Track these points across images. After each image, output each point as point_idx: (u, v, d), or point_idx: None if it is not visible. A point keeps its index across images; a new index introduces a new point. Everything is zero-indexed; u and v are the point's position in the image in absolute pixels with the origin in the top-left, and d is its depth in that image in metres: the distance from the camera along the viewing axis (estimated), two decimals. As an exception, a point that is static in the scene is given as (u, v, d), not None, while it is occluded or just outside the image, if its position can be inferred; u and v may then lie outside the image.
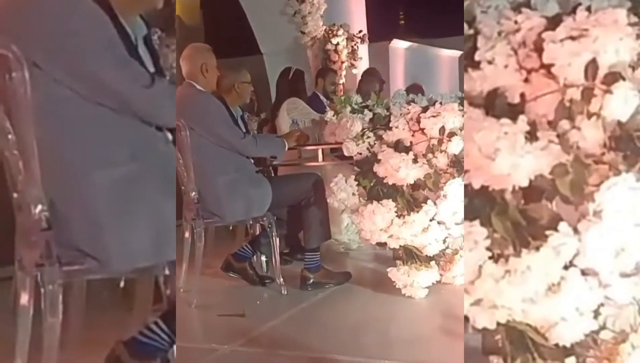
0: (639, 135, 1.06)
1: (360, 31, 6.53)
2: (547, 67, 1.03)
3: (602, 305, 1.05)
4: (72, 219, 1.36)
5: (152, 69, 1.50)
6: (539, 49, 1.04)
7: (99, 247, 1.35)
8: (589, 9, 1.05)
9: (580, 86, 1.01)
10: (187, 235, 2.96)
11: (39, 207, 1.33)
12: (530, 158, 1.03)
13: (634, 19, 1.06)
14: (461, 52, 9.50)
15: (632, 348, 1.06)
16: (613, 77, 0.99)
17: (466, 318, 1.08)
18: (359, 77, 5.43)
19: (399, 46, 8.59)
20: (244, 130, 3.14)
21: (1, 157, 1.37)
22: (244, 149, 2.95)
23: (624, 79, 0.99)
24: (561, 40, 1.02)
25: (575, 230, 1.03)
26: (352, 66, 6.26)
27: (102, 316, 1.82)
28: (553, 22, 1.04)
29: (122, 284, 1.53)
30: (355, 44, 6.32)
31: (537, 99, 1.05)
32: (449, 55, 9.80)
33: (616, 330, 1.07)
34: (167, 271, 1.40)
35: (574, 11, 1.05)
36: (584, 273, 1.04)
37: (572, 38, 1.02)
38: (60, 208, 1.36)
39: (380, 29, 7.72)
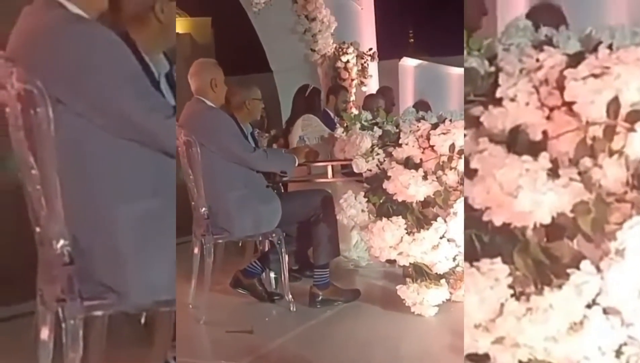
0: (663, 173, 1.05)
1: (370, 49, 6.58)
2: (569, 105, 1.03)
3: (624, 344, 1.04)
4: (94, 253, 1.35)
5: (173, 103, 1.50)
6: (560, 87, 1.04)
7: (120, 281, 1.35)
8: (610, 46, 1.05)
9: (602, 124, 1.01)
10: (196, 251, 2.97)
11: (61, 242, 1.32)
12: (552, 195, 1.02)
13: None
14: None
15: (653, 390, 1.05)
16: (636, 115, 0.99)
17: (486, 356, 1.08)
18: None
19: (409, 63, 8.63)
20: (254, 145, 3.14)
21: (24, 192, 1.38)
22: (255, 163, 2.96)
23: (647, 114, 0.98)
24: (583, 78, 1.01)
25: (598, 269, 1.02)
26: (362, 83, 6.31)
27: (123, 351, 1.81)
28: (575, 60, 1.04)
29: (142, 320, 1.53)
30: (365, 62, 6.37)
31: (559, 137, 1.05)
32: (458, 73, 9.83)
33: (637, 370, 1.07)
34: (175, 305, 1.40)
35: (595, 49, 1.04)
36: (606, 312, 1.03)
37: (595, 76, 1.01)
38: (82, 242, 1.36)
39: (390, 47, 7.78)
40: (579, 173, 1.04)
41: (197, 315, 2.87)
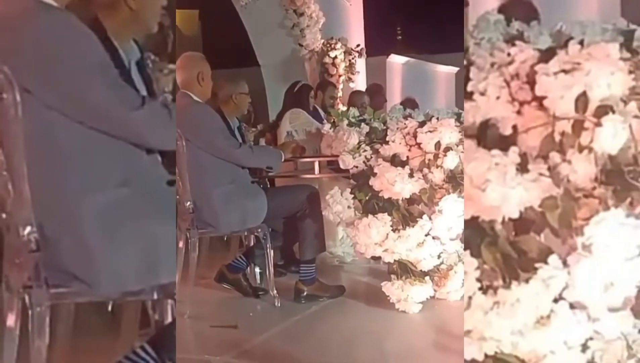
0: (630, 170, 1.06)
1: (358, 45, 6.55)
2: (540, 100, 1.04)
3: (590, 339, 1.05)
4: (61, 242, 1.35)
5: (144, 93, 1.50)
6: (531, 82, 1.04)
7: (88, 270, 1.35)
8: (581, 42, 1.06)
9: (571, 119, 1.02)
10: (181, 244, 2.95)
11: (28, 229, 1.32)
12: (521, 190, 1.03)
13: (627, 53, 1.07)
14: (458, 69, 9.57)
15: (619, 384, 1.06)
16: (603, 110, 1.00)
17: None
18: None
19: (396, 60, 8.61)
20: (241, 141, 3.14)
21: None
22: (240, 159, 2.96)
23: (614, 112, 0.99)
24: (554, 73, 1.02)
25: (565, 263, 1.03)
26: (349, 79, 6.29)
27: (90, 340, 1.81)
28: (546, 55, 1.05)
29: (109, 308, 1.52)
30: (352, 58, 6.35)
31: (528, 131, 1.05)
32: (446, 71, 9.86)
33: (604, 365, 1.07)
34: (155, 296, 1.40)
35: (566, 45, 1.05)
36: (572, 306, 1.04)
37: (565, 71, 1.02)
38: (49, 230, 1.35)
39: (378, 44, 7.75)
40: (548, 168, 1.05)
41: (182, 309, 2.86)
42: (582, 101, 1.01)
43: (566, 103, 1.02)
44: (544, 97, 1.03)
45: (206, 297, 3.15)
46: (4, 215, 1.37)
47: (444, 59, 9.64)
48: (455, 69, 9.69)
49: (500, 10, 1.22)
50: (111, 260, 1.35)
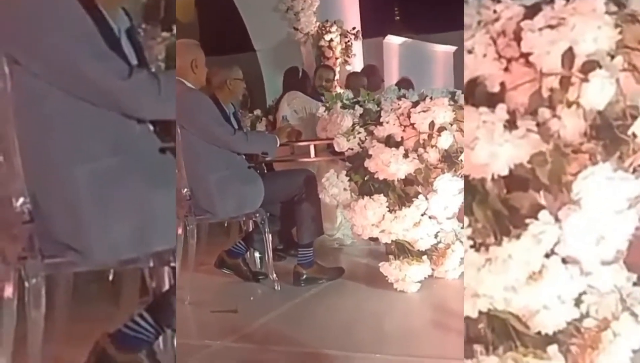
0: (619, 124, 1.06)
1: (354, 28, 6.51)
2: (526, 56, 1.03)
3: (584, 293, 1.05)
4: (54, 212, 1.35)
5: (134, 62, 1.49)
6: (518, 38, 1.04)
7: (81, 240, 1.35)
8: (568, -5, 1.05)
9: (558, 75, 1.01)
10: (179, 231, 2.96)
11: (21, 200, 1.33)
12: (509, 147, 1.03)
13: (614, 7, 1.06)
14: (455, 48, 9.51)
15: (613, 336, 1.06)
16: (590, 65, 0.99)
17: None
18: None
19: (393, 41, 8.54)
20: (237, 126, 3.13)
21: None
22: (235, 145, 2.95)
23: (600, 67, 0.99)
24: (539, 29, 1.02)
25: (556, 219, 1.03)
26: (346, 62, 6.25)
27: (90, 309, 1.81)
28: (532, 11, 1.04)
29: (110, 277, 1.53)
30: (349, 41, 6.30)
31: (517, 88, 1.05)
32: (443, 50, 9.78)
33: (599, 318, 1.07)
34: (151, 263, 1.40)
35: (552, 0, 1.05)
36: (565, 261, 1.04)
37: (551, 27, 1.02)
38: (42, 201, 1.36)
39: (374, 25, 7.65)
40: (537, 124, 1.04)
41: (182, 295, 2.86)
42: (568, 56, 1.01)
43: (552, 59, 1.02)
44: (530, 54, 1.03)
45: (206, 283, 3.15)
46: None
47: (442, 38, 9.58)
48: (453, 48, 9.63)
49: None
50: (104, 228, 1.36)
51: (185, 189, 2.86)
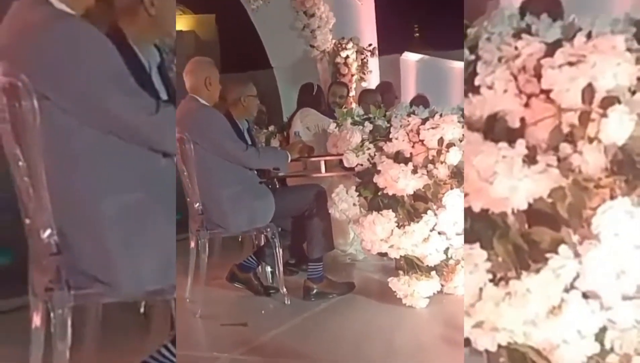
0: (642, 160, 1.05)
1: (370, 45, 6.53)
2: (547, 93, 1.03)
3: (605, 328, 1.03)
4: (81, 245, 1.35)
5: (164, 96, 1.50)
6: (538, 75, 1.03)
7: (108, 272, 1.35)
8: (589, 34, 1.04)
9: (577, 110, 1.01)
10: (192, 245, 2.97)
11: (48, 232, 1.33)
12: (529, 182, 1.02)
13: (636, 45, 1.05)
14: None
15: (634, 370, 1.04)
16: (609, 101, 0.99)
17: (466, 340, 1.07)
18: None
19: (410, 58, 8.54)
20: (250, 142, 3.14)
21: (14, 184, 1.38)
22: (247, 161, 2.95)
23: (620, 102, 0.98)
24: (559, 66, 1.01)
25: (576, 253, 1.02)
26: (362, 79, 6.26)
27: (122, 340, 1.81)
28: (552, 48, 1.04)
29: (142, 309, 1.53)
30: (364, 57, 6.31)
31: (537, 124, 1.04)
32: (460, 67, 9.77)
33: (620, 353, 1.06)
34: (175, 295, 1.40)
35: (574, 37, 1.04)
36: (585, 295, 1.02)
37: (570, 64, 1.01)
38: (69, 234, 1.36)
39: (391, 42, 7.68)
40: (557, 159, 1.04)
41: (194, 308, 2.87)
42: (588, 92, 1.00)
43: (572, 95, 1.01)
44: (550, 90, 1.02)
45: (218, 297, 3.15)
46: (27, 221, 1.38)
47: (458, 54, 9.56)
48: None
49: (523, 4, 1.21)
50: (130, 261, 1.36)
51: (198, 204, 2.87)
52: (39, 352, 1.35)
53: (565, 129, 1.02)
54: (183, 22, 9.69)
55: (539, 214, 1.04)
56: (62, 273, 1.33)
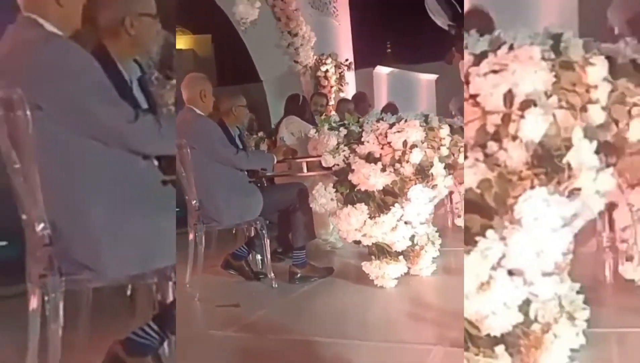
0: (557, 154, 1.06)
1: (347, 60, 6.57)
2: (474, 97, 1.04)
3: (529, 301, 1.04)
4: (70, 236, 1.35)
5: (145, 106, 1.50)
6: (467, 82, 1.04)
7: (94, 259, 1.35)
8: (511, 46, 1.06)
9: (500, 113, 1.01)
10: (191, 237, 2.95)
11: (41, 225, 1.32)
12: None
13: (551, 55, 1.06)
14: (437, 76, 9.56)
15: (554, 337, 1.06)
16: (527, 103, 1.00)
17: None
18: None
19: (382, 71, 8.59)
20: (241, 147, 3.13)
21: (12, 183, 1.37)
22: (237, 163, 2.95)
23: (536, 105, 0.99)
24: (484, 74, 1.02)
25: (502, 236, 1.03)
26: (340, 90, 6.32)
27: (110, 320, 1.80)
28: (479, 59, 1.05)
29: (128, 292, 1.53)
30: (342, 71, 6.37)
31: (467, 124, 1.05)
32: (427, 78, 9.85)
33: (542, 322, 1.07)
34: (155, 279, 1.40)
35: (499, 48, 1.05)
36: (510, 273, 1.04)
37: (494, 72, 1.02)
38: (60, 226, 1.35)
39: (365, 58, 7.74)
40: (485, 155, 1.04)
41: (193, 293, 2.86)
42: (508, 96, 1.01)
43: (495, 99, 1.02)
44: (477, 95, 1.03)
45: (214, 282, 3.13)
46: (24, 216, 1.37)
47: (426, 68, 9.67)
48: (435, 76, 9.70)
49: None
50: (114, 250, 1.35)
51: (195, 201, 2.86)
52: (36, 332, 1.35)
53: (491, 129, 1.03)
54: (183, 42, 9.68)
55: (470, 203, 1.05)
56: (54, 261, 1.33)
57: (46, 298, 1.30)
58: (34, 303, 1.34)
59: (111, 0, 1.54)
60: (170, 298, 1.45)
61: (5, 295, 2.32)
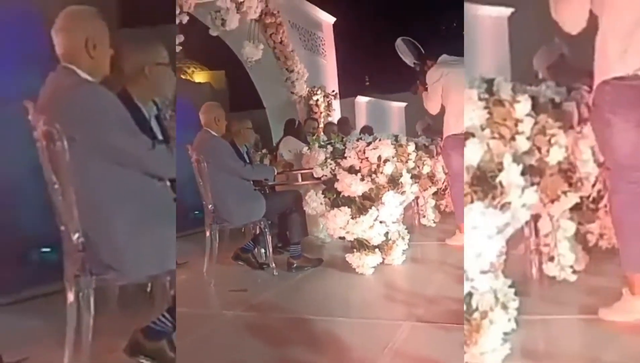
0: (491, 175, 1.09)
1: (333, 91, 6.68)
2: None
3: (470, 293, 1.07)
4: (99, 243, 1.36)
5: (160, 137, 1.51)
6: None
7: (118, 262, 1.37)
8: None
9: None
10: (207, 234, 2.95)
11: (77, 235, 1.34)
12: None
13: (485, 95, 1.10)
14: (406, 104, 9.68)
15: (491, 323, 1.08)
16: (467, 135, 1.03)
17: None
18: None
19: (362, 100, 8.70)
20: (248, 161, 3.15)
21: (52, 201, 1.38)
22: (244, 174, 2.97)
23: (474, 136, 1.02)
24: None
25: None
26: (328, 115, 6.42)
27: (133, 313, 1.80)
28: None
29: (148, 289, 1.53)
30: (329, 100, 6.47)
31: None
32: (397, 106, 9.95)
33: (480, 310, 1.09)
34: (169, 278, 1.41)
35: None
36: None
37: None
38: (91, 236, 1.37)
39: (348, 89, 7.85)
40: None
41: (209, 280, 2.87)
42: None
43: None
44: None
45: (227, 271, 3.13)
46: (62, 227, 1.38)
47: (397, 97, 9.79)
48: (404, 104, 9.84)
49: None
50: (135, 255, 1.37)
51: (210, 205, 2.87)
52: (73, 322, 1.36)
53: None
54: (202, 76, 9.68)
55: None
56: (86, 264, 1.34)
57: (80, 294, 1.31)
58: (70, 297, 1.35)
59: (133, 52, 1.55)
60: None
61: (48, 292, 2.31)
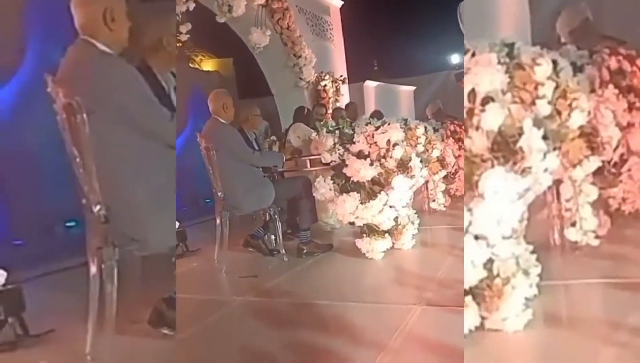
0: (513, 140, 1.05)
1: (341, 76, 6.58)
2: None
3: (491, 260, 1.03)
4: (121, 215, 1.35)
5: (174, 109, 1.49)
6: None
7: (140, 233, 1.35)
8: (473, 54, 1.04)
9: (466, 108, 1.00)
10: (218, 222, 2.94)
11: (98, 207, 1.32)
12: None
13: (506, 59, 1.05)
14: (415, 88, 9.59)
15: (512, 289, 1.05)
16: (486, 100, 0.98)
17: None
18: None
19: (371, 85, 8.56)
20: (257, 148, 3.12)
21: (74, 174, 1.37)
22: (254, 161, 2.93)
23: (494, 100, 0.97)
24: (453, 76, 1.00)
25: (469, 208, 1.02)
26: (336, 100, 6.33)
27: (158, 282, 1.79)
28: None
29: (173, 260, 1.51)
30: (337, 85, 6.38)
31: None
32: (406, 90, 9.82)
33: (502, 276, 1.06)
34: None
35: (464, 55, 1.04)
36: (476, 237, 1.02)
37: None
38: (112, 208, 1.35)
39: (357, 74, 7.75)
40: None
41: (220, 266, 2.85)
42: (472, 94, 1.00)
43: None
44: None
45: (237, 257, 3.12)
46: (84, 200, 1.36)
47: (406, 81, 9.71)
48: (413, 88, 9.75)
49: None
50: (156, 226, 1.35)
51: (220, 193, 2.85)
52: (96, 293, 1.35)
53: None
54: (210, 64, 9.65)
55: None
56: (109, 236, 1.32)
57: (102, 265, 1.29)
58: (93, 269, 1.34)
59: (151, 23, 1.53)
60: None
61: (73, 265, 2.31)
